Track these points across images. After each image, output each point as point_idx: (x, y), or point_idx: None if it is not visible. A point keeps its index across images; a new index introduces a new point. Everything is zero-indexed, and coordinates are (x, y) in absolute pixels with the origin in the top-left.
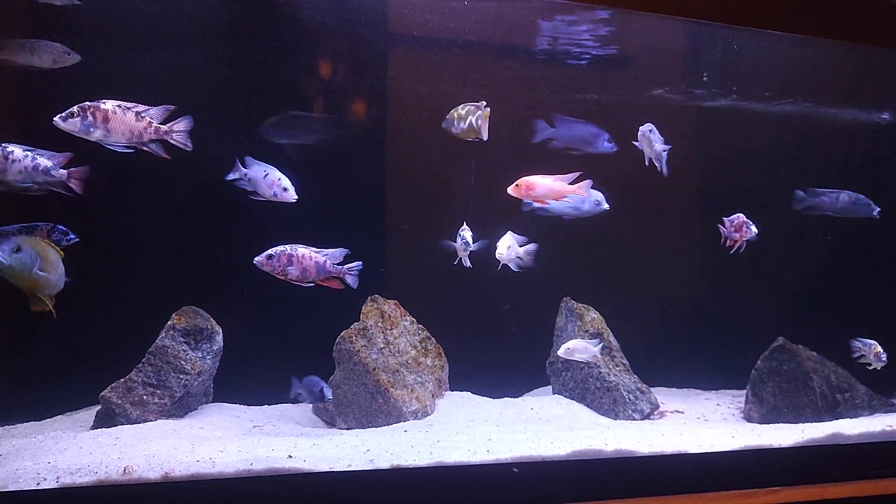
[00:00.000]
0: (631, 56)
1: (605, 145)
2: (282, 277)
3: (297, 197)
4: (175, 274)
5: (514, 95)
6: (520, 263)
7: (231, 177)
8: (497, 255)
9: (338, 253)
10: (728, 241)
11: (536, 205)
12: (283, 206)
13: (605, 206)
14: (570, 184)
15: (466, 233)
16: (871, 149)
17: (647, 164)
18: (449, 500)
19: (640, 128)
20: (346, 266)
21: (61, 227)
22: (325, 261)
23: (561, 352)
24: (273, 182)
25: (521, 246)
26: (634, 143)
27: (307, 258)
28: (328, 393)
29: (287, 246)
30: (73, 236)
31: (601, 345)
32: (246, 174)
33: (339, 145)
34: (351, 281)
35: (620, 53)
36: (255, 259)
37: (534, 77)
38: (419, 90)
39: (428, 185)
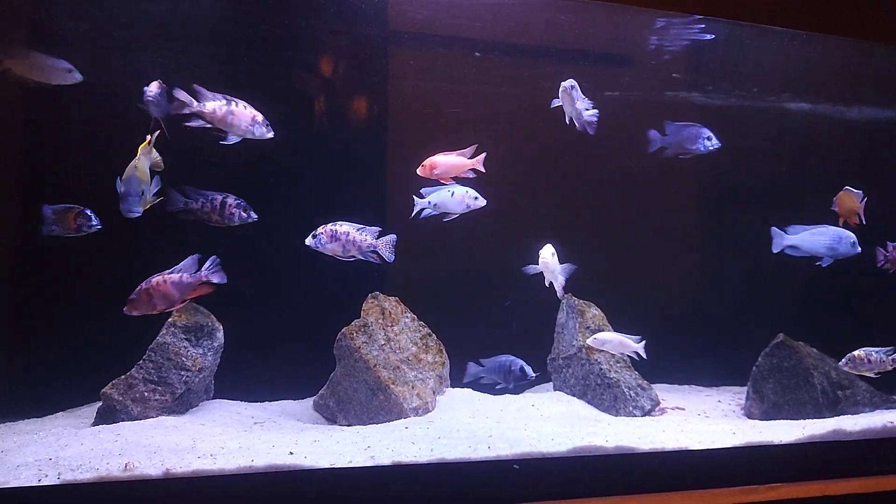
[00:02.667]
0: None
1: (704, 144)
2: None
3: (486, 201)
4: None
5: (512, 93)
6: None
7: (414, 213)
8: (541, 263)
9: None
10: (888, 265)
11: (786, 242)
12: (287, 206)
13: (859, 248)
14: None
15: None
16: (871, 148)
17: (567, 122)
18: (450, 496)
19: (562, 84)
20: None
21: (87, 211)
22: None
23: (590, 341)
24: (464, 196)
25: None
26: (555, 100)
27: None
28: (529, 371)
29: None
30: (96, 222)
31: (643, 342)
32: (430, 202)
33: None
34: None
35: (623, 52)
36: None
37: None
38: (421, 87)
39: (427, 182)
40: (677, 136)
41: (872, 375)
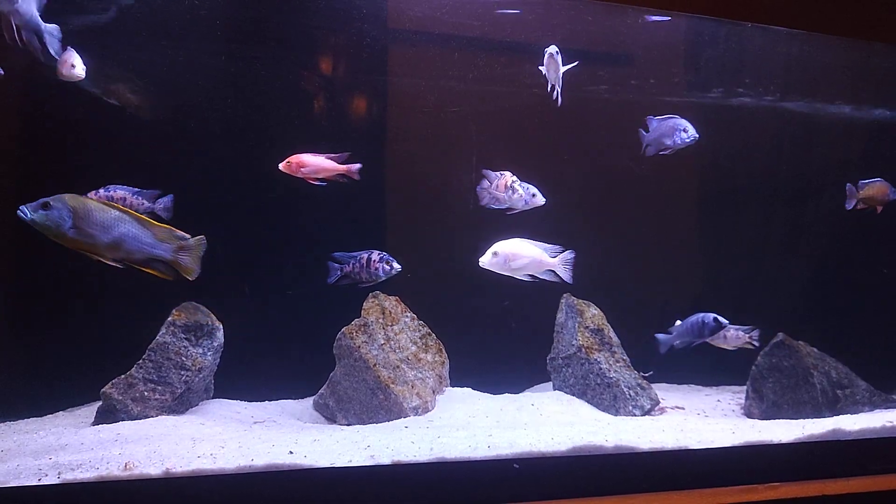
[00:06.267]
0: (633, 53)
1: (680, 136)
2: None
3: (545, 200)
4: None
5: (513, 91)
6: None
7: (481, 204)
8: (480, 263)
9: None
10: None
11: None
12: (287, 206)
13: None
14: (341, 163)
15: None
16: (872, 147)
17: (549, 90)
18: (450, 495)
19: (547, 49)
20: None
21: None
22: None
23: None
24: (523, 193)
25: (554, 256)
26: (539, 67)
27: None
28: (723, 319)
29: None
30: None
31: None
32: (494, 197)
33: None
34: None
35: (622, 50)
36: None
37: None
38: (419, 86)
39: (428, 181)
40: (657, 131)
41: (730, 349)
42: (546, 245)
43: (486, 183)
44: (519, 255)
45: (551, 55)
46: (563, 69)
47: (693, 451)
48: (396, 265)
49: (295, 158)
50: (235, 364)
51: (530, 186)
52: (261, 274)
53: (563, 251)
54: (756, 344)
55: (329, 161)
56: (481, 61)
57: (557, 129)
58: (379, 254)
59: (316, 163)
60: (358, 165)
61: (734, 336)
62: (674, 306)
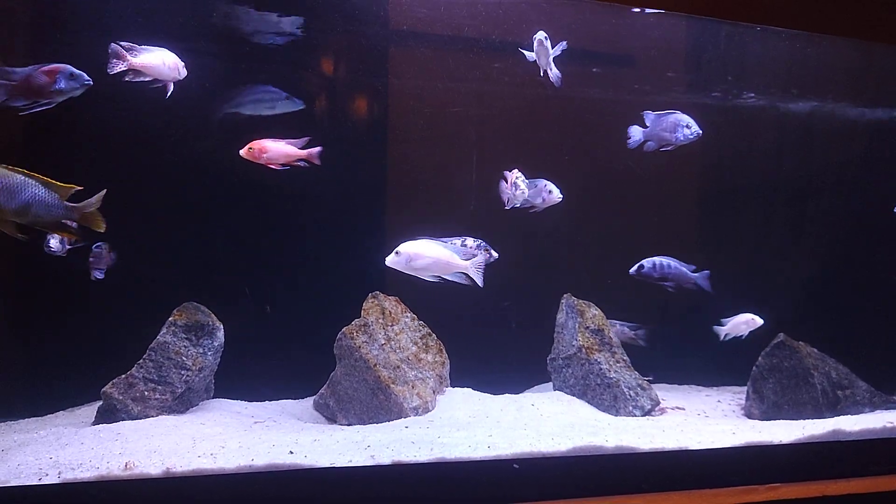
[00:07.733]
0: (634, 53)
1: (683, 132)
2: None
3: (562, 196)
4: (176, 270)
5: (515, 92)
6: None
7: (511, 206)
8: (386, 261)
9: None
10: None
11: None
12: (287, 206)
13: None
14: (301, 148)
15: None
16: (872, 147)
17: (542, 75)
18: (450, 495)
19: (535, 36)
20: None
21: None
22: None
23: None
24: (541, 189)
25: (468, 258)
26: (524, 51)
27: None
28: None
29: None
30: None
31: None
32: (507, 196)
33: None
34: None
35: (625, 51)
36: None
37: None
38: (419, 86)
39: (428, 181)
40: (657, 126)
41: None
42: (459, 248)
43: (503, 184)
44: (421, 256)
45: (541, 41)
46: (553, 54)
47: (693, 451)
48: (494, 253)
49: (256, 144)
50: (236, 364)
51: (548, 183)
52: (261, 274)
53: (478, 255)
54: (642, 343)
55: (290, 146)
56: (484, 61)
57: (558, 129)
58: (475, 240)
59: (277, 148)
60: (318, 149)
61: (619, 331)
62: (674, 306)
